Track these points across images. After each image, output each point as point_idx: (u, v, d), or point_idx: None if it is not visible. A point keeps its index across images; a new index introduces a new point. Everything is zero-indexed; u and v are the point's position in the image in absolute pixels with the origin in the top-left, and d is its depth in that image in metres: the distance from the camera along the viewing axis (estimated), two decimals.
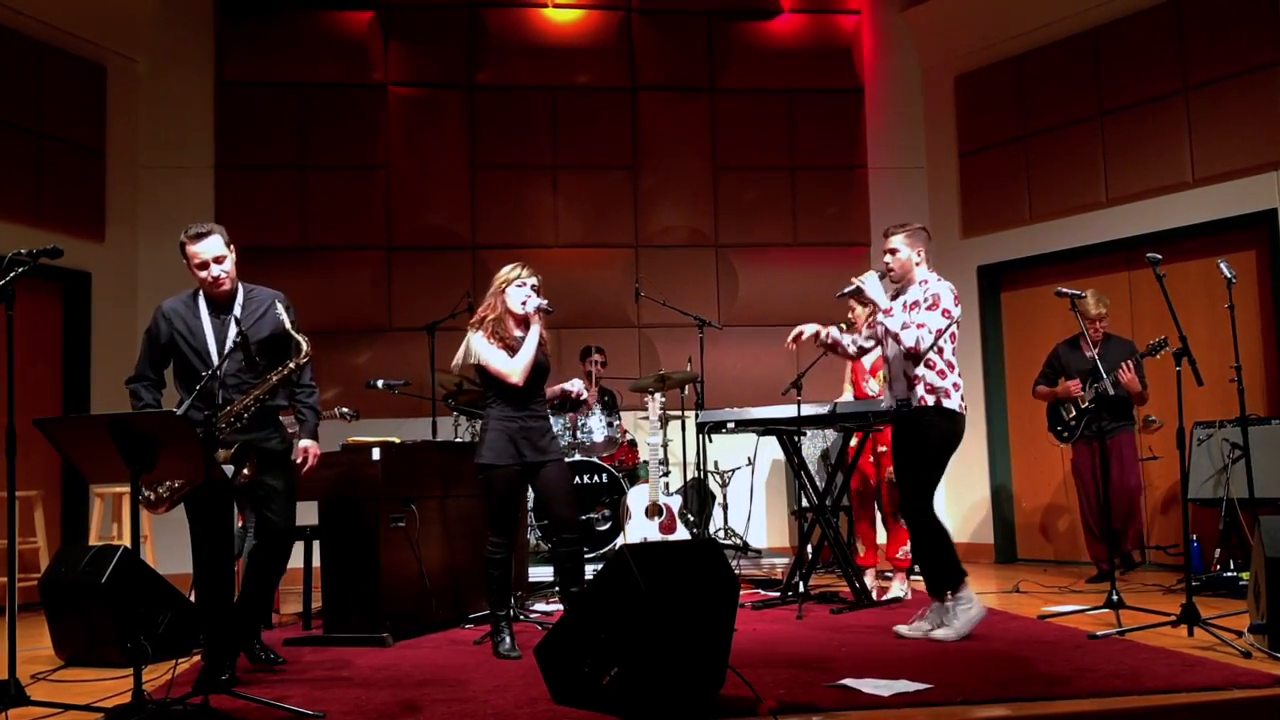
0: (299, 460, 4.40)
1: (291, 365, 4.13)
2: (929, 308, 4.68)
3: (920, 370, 4.68)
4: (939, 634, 4.62)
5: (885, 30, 9.10)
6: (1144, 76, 7.64)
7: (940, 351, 4.69)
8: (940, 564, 4.70)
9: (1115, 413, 6.61)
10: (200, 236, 4.12)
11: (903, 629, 4.77)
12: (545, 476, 4.65)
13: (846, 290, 5.01)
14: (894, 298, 4.91)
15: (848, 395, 6.45)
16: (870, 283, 4.86)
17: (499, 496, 4.60)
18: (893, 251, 4.86)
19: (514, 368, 4.55)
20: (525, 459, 4.59)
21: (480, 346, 4.59)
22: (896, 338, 4.68)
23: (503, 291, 4.64)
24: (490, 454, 4.57)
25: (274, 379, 4.10)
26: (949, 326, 4.69)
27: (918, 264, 4.83)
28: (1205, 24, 7.34)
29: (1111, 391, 6.26)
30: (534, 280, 4.66)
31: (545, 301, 4.62)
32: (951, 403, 4.67)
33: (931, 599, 4.78)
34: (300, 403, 4.43)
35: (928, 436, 4.71)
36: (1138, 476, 6.73)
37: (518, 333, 4.65)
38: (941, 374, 4.67)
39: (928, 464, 4.73)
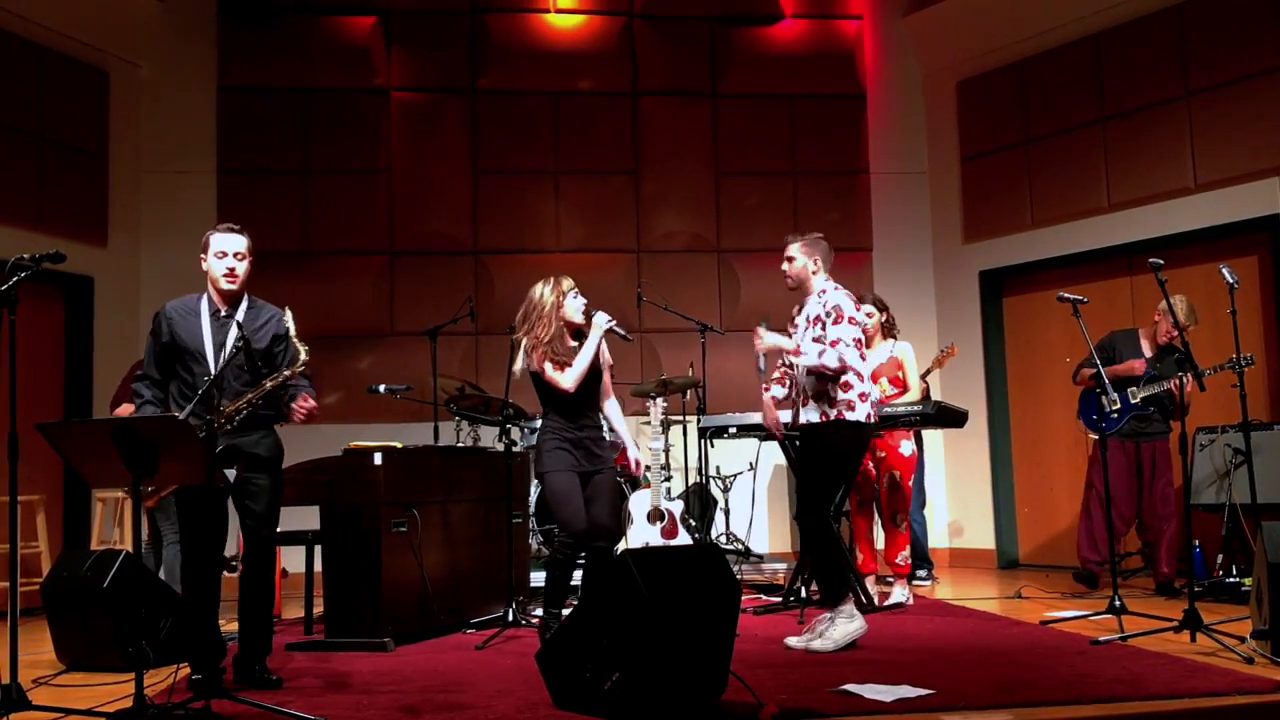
0: (297, 406, 4.15)
1: (287, 373, 4.07)
2: (834, 322, 4.68)
3: (825, 386, 4.68)
4: (816, 645, 4.56)
5: (887, 35, 9.11)
6: (1146, 82, 7.65)
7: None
8: (830, 574, 4.67)
9: (1163, 416, 6.40)
10: (230, 230, 4.21)
11: (792, 640, 4.68)
12: (596, 482, 4.77)
13: (762, 366, 4.87)
14: (798, 313, 4.92)
15: None
16: (768, 339, 4.78)
17: (565, 497, 4.67)
18: (790, 260, 4.89)
19: (565, 378, 4.69)
20: (581, 466, 4.73)
21: (533, 361, 4.73)
22: (820, 369, 4.64)
23: (560, 307, 4.75)
24: (550, 463, 4.71)
25: (269, 385, 4.03)
26: (857, 333, 4.71)
27: (814, 273, 4.86)
28: (1207, 29, 7.34)
29: (1143, 398, 6.18)
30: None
31: (618, 327, 4.79)
32: (856, 414, 4.67)
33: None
34: (294, 386, 4.21)
35: (829, 451, 4.73)
36: (1170, 486, 6.45)
37: (572, 343, 4.79)
38: (846, 386, 4.68)
39: (828, 477, 4.78)
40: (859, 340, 4.75)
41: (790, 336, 4.90)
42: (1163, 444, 6.44)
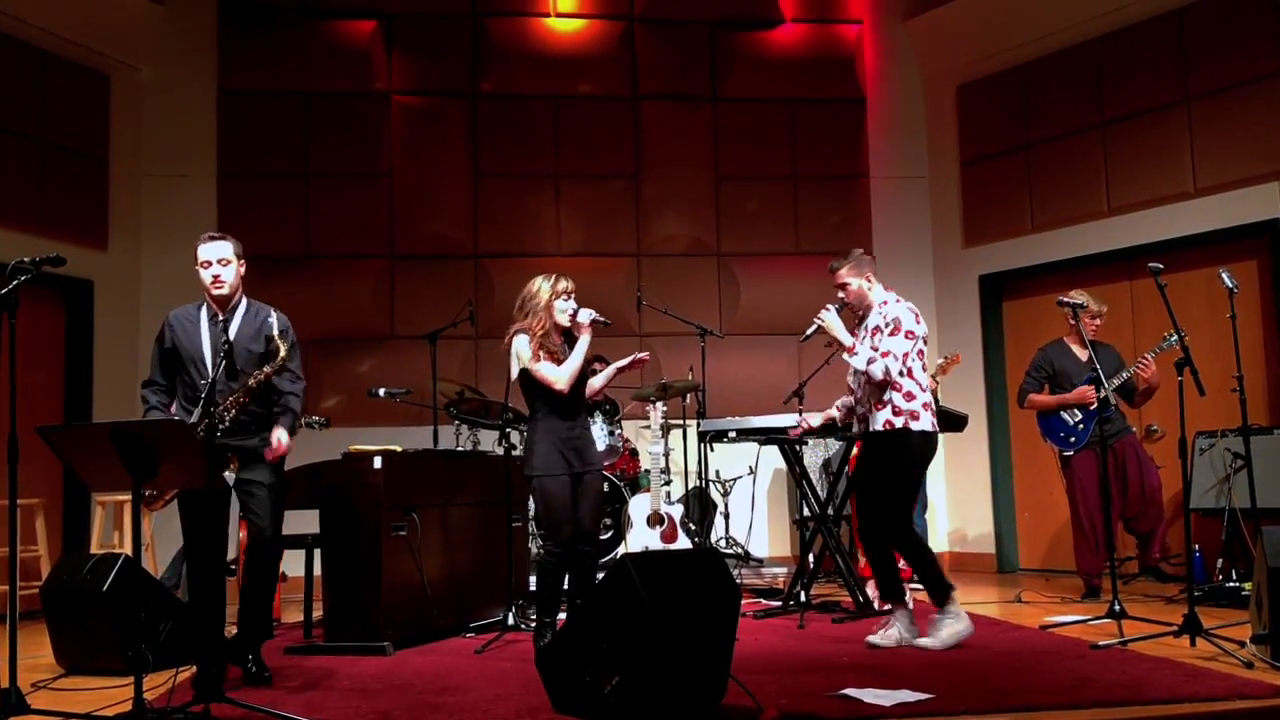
0: (269, 452, 4.31)
1: (267, 370, 4.20)
2: (890, 333, 4.74)
3: (887, 394, 4.73)
4: (924, 642, 4.66)
5: (887, 40, 9.12)
6: (1146, 86, 7.65)
7: (909, 373, 4.73)
8: (929, 579, 4.74)
9: (1118, 415, 6.51)
10: (212, 239, 4.36)
11: (874, 639, 4.76)
12: (585, 484, 4.73)
13: (809, 332, 4.99)
14: (859, 323, 4.95)
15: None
16: (830, 320, 4.87)
17: (556, 508, 4.65)
18: (843, 286, 4.92)
19: (560, 375, 4.64)
20: (574, 469, 4.68)
21: (526, 352, 4.67)
22: (867, 375, 4.73)
23: (550, 305, 4.71)
24: (541, 464, 4.66)
25: (251, 383, 4.17)
26: (913, 346, 4.74)
27: (870, 288, 4.91)
28: (1206, 34, 7.35)
29: (1111, 399, 6.24)
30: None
31: (598, 315, 4.73)
32: (921, 424, 4.72)
33: (894, 606, 4.82)
34: (281, 392, 4.37)
35: (898, 459, 4.77)
36: (1156, 474, 6.52)
37: (560, 342, 4.75)
38: (909, 396, 4.72)
39: (900, 486, 4.81)
40: (921, 353, 4.80)
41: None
42: (1131, 438, 6.53)
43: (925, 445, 4.78)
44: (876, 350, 4.74)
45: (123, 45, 8.10)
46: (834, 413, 5.27)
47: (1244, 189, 7.10)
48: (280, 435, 4.31)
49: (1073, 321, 6.34)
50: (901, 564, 6.01)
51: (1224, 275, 5.00)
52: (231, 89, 8.46)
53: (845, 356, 4.84)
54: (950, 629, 4.66)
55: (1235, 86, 7.18)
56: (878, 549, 4.90)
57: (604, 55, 8.83)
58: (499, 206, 8.67)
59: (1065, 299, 5.42)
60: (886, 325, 4.77)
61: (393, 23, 8.66)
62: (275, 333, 4.22)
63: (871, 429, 4.82)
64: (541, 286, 4.74)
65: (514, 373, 4.75)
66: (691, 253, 8.82)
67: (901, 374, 4.72)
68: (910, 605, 4.84)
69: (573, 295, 4.77)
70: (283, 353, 4.18)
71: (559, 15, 8.83)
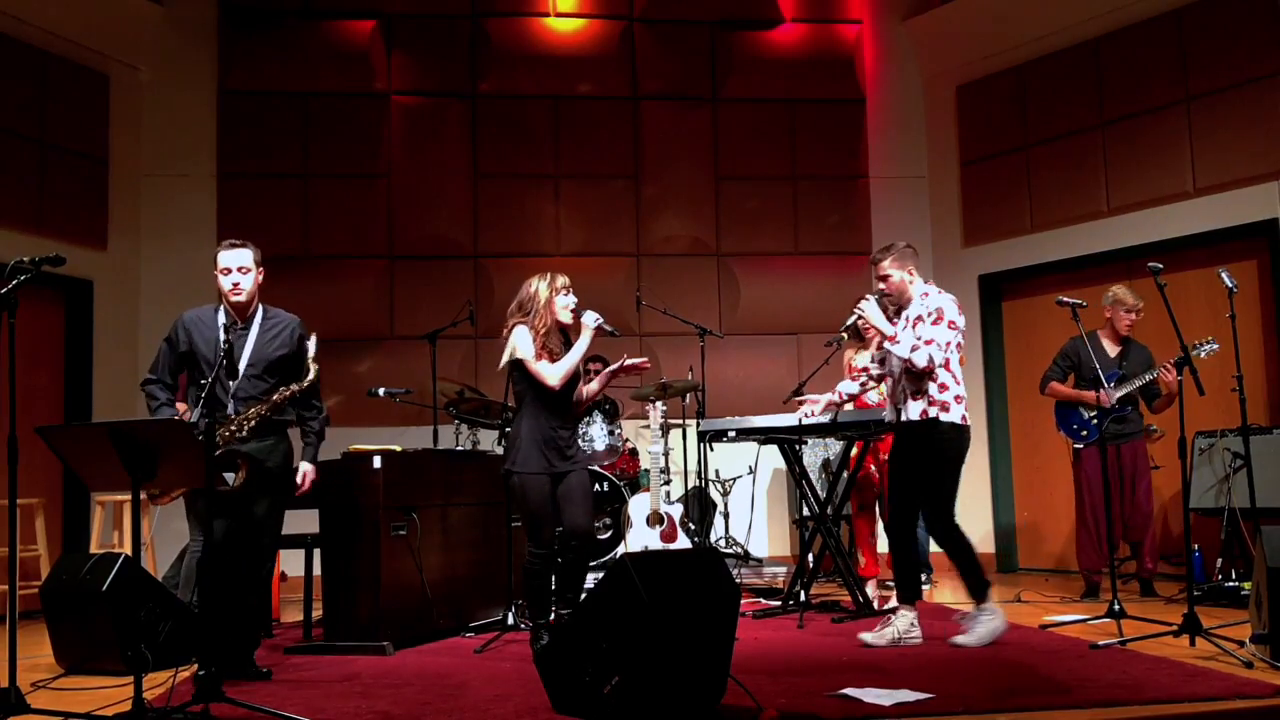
0: (298, 481, 4.60)
1: (294, 388, 4.30)
2: (934, 322, 4.73)
3: (925, 384, 4.74)
4: (961, 640, 4.67)
5: (887, 40, 9.12)
6: (1145, 86, 7.66)
7: (945, 364, 4.73)
8: (969, 575, 4.76)
9: (1145, 399, 6.49)
10: (233, 246, 4.42)
11: (868, 636, 4.76)
12: (568, 483, 4.72)
13: (849, 322, 5.02)
14: (896, 315, 4.95)
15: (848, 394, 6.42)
16: (871, 310, 4.88)
17: (533, 507, 4.66)
18: (885, 278, 4.91)
19: (554, 372, 4.64)
20: (554, 468, 4.67)
21: (525, 345, 4.66)
22: (910, 363, 4.70)
23: (551, 303, 4.71)
24: (521, 461, 4.65)
25: (277, 399, 4.27)
26: (955, 337, 4.75)
27: (911, 282, 4.90)
28: (1206, 34, 7.35)
29: (1119, 398, 6.23)
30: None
31: (605, 323, 4.74)
32: (951, 416, 4.72)
33: (902, 604, 4.85)
34: (306, 427, 4.57)
35: (938, 451, 4.77)
36: (1148, 487, 6.56)
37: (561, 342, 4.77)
38: (943, 387, 4.73)
39: (941, 478, 4.80)
40: (960, 345, 4.81)
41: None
42: (1140, 444, 6.54)
43: (957, 437, 4.76)
44: (919, 338, 4.73)
45: (123, 45, 8.10)
46: (834, 397, 5.32)
47: (1243, 189, 7.10)
48: (307, 468, 4.59)
49: (1107, 317, 6.38)
50: None
51: (1224, 275, 5.00)
52: (231, 89, 8.46)
53: (887, 345, 4.81)
54: (988, 626, 4.67)
55: (1235, 86, 7.18)
56: (902, 544, 4.88)
57: (604, 55, 8.83)
58: (499, 206, 8.67)
59: (1065, 299, 5.41)
60: (929, 315, 4.76)
61: (393, 23, 8.66)
62: (310, 356, 4.34)
63: (906, 418, 4.81)
64: (539, 286, 4.74)
65: (503, 361, 4.72)
66: (691, 253, 8.82)
67: (940, 364, 4.72)
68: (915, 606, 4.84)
69: (571, 290, 4.77)
70: (311, 375, 4.30)
71: (559, 15, 8.83)
